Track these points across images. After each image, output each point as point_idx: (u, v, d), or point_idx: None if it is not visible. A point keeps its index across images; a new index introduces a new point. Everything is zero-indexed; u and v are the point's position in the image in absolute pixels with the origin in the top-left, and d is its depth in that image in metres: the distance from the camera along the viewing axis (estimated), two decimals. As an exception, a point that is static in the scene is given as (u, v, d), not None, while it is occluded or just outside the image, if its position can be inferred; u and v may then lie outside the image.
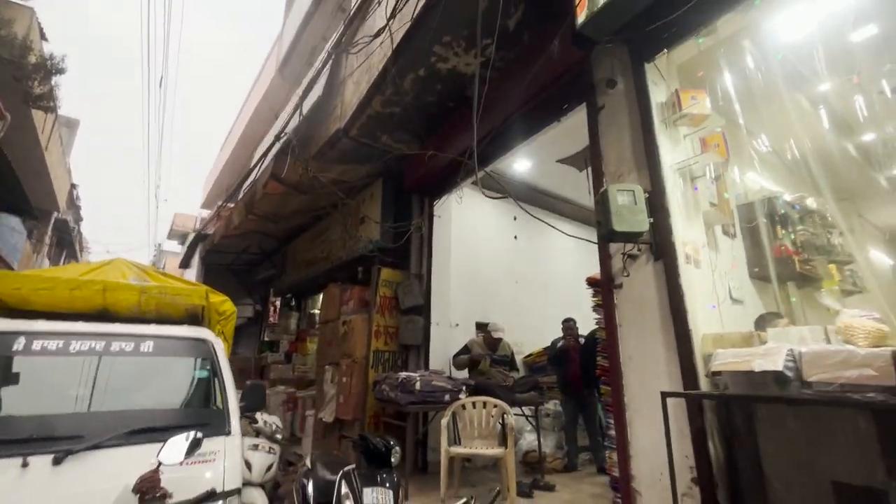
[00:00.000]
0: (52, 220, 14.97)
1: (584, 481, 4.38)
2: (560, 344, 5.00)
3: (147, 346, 2.55)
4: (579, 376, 4.76)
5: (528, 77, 3.68)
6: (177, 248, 27.79)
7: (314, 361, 8.25)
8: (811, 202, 4.57)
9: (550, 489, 3.93)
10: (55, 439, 1.98)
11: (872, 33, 3.03)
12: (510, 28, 3.59)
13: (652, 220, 2.54)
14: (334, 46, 4.57)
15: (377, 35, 3.71)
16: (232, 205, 7.48)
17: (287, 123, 4.80)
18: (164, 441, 1.85)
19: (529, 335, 6.20)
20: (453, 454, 3.48)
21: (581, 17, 2.68)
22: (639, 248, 2.66)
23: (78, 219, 19.81)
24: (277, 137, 4.72)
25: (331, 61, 4.98)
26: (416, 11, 3.45)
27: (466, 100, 4.56)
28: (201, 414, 2.50)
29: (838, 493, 1.92)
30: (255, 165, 5.41)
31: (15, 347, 2.24)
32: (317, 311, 8.62)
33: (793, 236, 3.65)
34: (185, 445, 1.73)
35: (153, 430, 2.19)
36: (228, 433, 2.39)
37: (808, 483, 2.00)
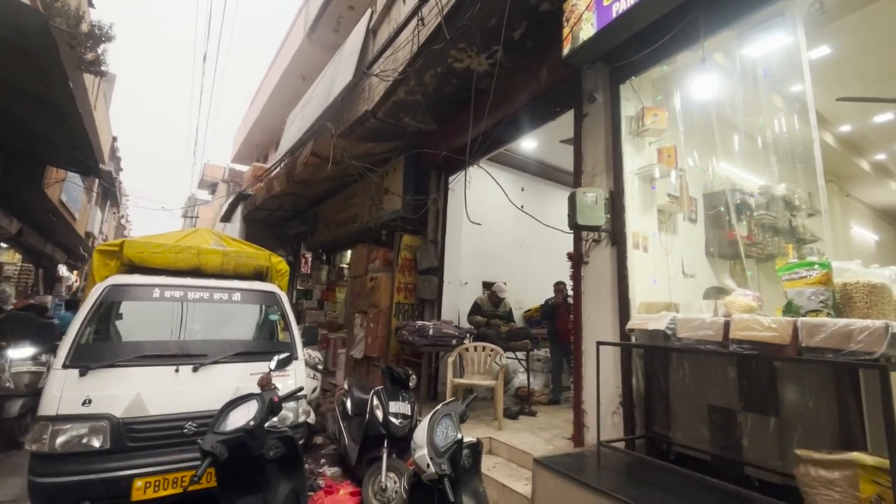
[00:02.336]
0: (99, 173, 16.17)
1: (562, 411, 5.43)
2: (551, 301, 5.91)
3: (237, 296, 3.56)
4: (566, 329, 5.70)
5: (531, 78, 4.33)
6: (206, 197, 29.30)
7: (343, 309, 9.43)
8: (781, 189, 5.19)
9: (532, 414, 4.99)
10: (191, 356, 3.03)
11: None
12: (515, 38, 4.20)
13: (609, 215, 3.32)
14: (360, 67, 5.20)
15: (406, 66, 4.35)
16: (265, 165, 8.36)
17: (325, 108, 5.52)
18: (262, 360, 2.88)
19: (530, 293, 7.13)
20: (456, 384, 4.52)
21: (566, 49, 3.34)
22: (600, 235, 3.47)
23: (118, 170, 21.11)
24: (318, 121, 5.48)
25: (360, 49, 5.63)
26: (434, 26, 4.07)
27: (479, 92, 5.21)
28: (278, 344, 3.53)
29: (711, 412, 2.83)
30: (296, 144, 6.22)
31: (155, 294, 3.26)
32: (345, 266, 9.70)
33: (744, 222, 4.35)
34: (283, 360, 2.72)
35: (249, 353, 3.24)
36: (296, 358, 3.42)
37: (694, 406, 2.92)
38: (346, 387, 4.60)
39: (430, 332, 4.89)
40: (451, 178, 6.18)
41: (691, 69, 3.43)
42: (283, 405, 2.50)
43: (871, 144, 5.80)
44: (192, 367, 2.95)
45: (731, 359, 2.68)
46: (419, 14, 4.07)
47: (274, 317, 3.69)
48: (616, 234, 3.37)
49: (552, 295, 6.15)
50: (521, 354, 5.66)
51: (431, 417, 2.34)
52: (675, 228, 4.06)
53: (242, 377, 3.07)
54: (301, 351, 3.49)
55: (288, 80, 12.00)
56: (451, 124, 5.65)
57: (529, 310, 7.04)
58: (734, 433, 2.69)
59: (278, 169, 7.26)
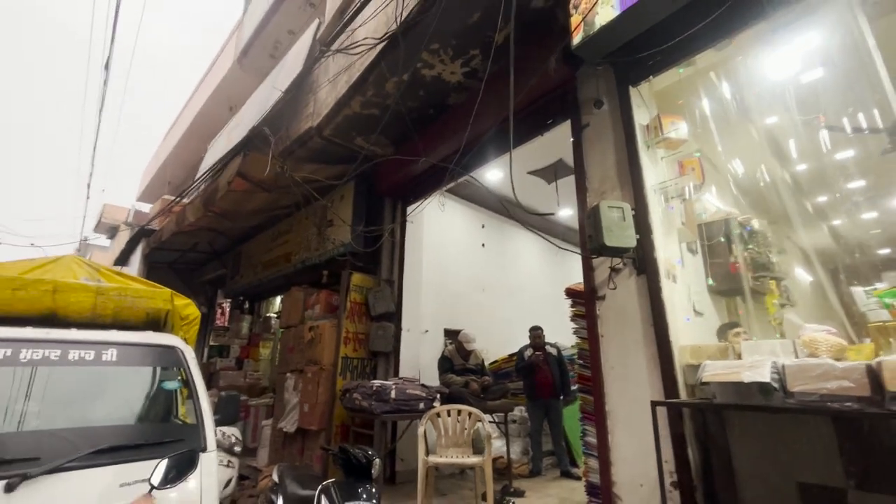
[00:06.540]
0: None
1: (550, 486, 4.50)
2: (528, 352, 5.11)
3: (110, 354, 2.31)
4: (548, 383, 4.89)
5: (516, 90, 3.75)
6: (105, 243, 25.38)
7: (267, 367, 7.87)
8: (756, 223, 5.03)
9: (521, 495, 4.00)
10: (7, 462, 1.75)
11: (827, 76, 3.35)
12: (498, 42, 3.65)
13: (638, 236, 2.67)
14: (317, 45, 4.43)
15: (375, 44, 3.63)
16: (186, 201, 6.98)
17: (261, 119, 4.55)
18: (148, 458, 1.69)
19: (495, 342, 6.28)
20: (431, 464, 3.44)
21: (577, 39, 2.78)
22: (623, 262, 2.79)
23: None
24: (253, 131, 4.46)
25: (305, 57, 4.81)
26: (409, 15, 3.42)
27: (448, 108, 4.59)
28: (173, 429, 2.30)
29: (804, 493, 2.11)
30: (221, 160, 5.08)
31: (-47, 356, 1.95)
32: (272, 315, 8.24)
33: (745, 254, 3.98)
34: (175, 464, 1.58)
35: (120, 449, 1.99)
36: (204, 449, 2.21)
37: (773, 484, 2.18)
38: (275, 477, 3.32)
39: (393, 394, 3.81)
40: (409, 209, 5.36)
41: (709, 74, 3.03)
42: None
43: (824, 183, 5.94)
44: (3, 483, 1.67)
45: (827, 419, 2.02)
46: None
47: (171, 385, 2.46)
48: (645, 261, 2.71)
49: (522, 342, 5.38)
50: (497, 415, 4.71)
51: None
52: (682, 260, 3.53)
53: (109, 493, 1.83)
54: (212, 437, 2.29)
55: (213, 108, 10.76)
56: (412, 146, 4.92)
57: (496, 361, 6.15)
58: (846, 523, 1.97)
59: (193, 196, 5.96)
